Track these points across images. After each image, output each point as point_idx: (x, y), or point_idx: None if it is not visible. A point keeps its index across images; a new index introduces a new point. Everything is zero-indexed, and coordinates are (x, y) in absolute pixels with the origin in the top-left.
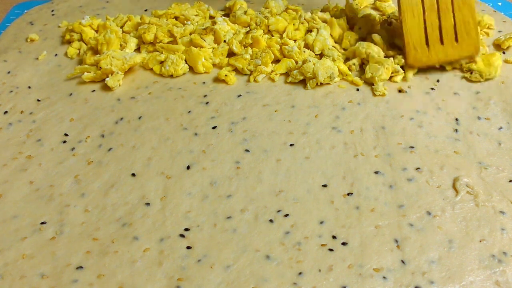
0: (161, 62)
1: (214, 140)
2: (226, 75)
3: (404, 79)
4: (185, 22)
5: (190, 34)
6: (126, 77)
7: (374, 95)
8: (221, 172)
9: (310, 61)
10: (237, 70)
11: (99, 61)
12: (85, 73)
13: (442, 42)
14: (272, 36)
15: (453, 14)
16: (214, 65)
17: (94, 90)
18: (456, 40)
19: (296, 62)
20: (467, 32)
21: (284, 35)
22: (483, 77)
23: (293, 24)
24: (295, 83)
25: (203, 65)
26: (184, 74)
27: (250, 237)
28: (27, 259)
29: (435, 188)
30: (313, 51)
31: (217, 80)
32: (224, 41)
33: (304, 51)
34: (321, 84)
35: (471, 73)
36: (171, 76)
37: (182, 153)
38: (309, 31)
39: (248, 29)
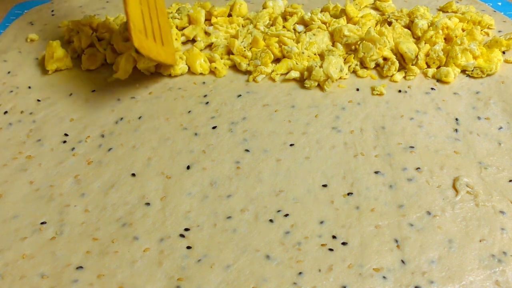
0: None
1: (214, 140)
2: (215, 68)
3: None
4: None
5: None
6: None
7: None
8: (221, 172)
9: (316, 66)
10: (236, 68)
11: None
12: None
13: (155, 40)
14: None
15: (158, 20)
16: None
17: (94, 90)
18: (162, 44)
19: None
20: (168, 41)
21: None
22: (484, 73)
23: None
24: (294, 83)
25: (201, 66)
26: (182, 74)
27: (250, 237)
28: (27, 259)
29: (435, 188)
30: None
31: (217, 80)
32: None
33: (303, 52)
34: (331, 82)
35: (472, 70)
36: (170, 75)
37: (182, 153)
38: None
39: (248, 28)
